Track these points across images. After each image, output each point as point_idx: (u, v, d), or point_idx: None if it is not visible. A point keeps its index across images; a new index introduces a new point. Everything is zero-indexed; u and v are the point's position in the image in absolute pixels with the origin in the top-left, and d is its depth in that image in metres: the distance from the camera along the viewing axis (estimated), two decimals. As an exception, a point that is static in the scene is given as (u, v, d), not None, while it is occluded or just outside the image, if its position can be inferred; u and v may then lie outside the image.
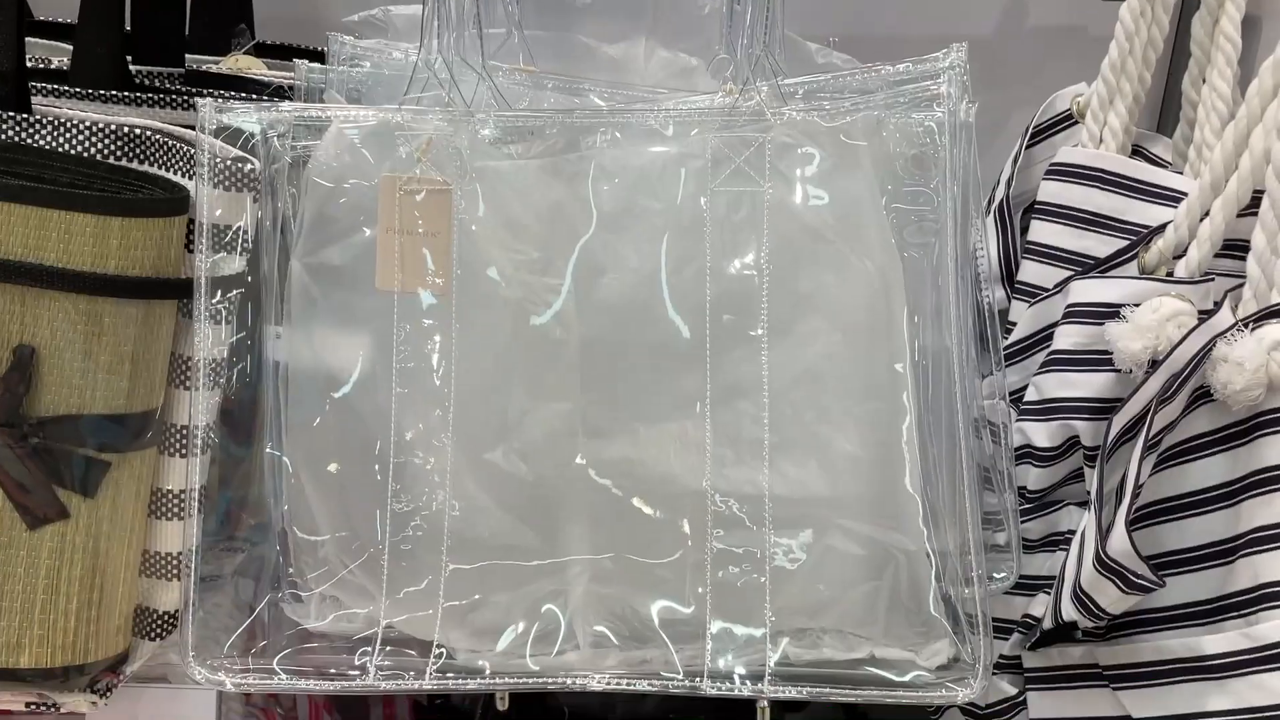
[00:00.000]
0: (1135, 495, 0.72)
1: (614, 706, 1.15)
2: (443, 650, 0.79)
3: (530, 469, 0.79)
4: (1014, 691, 0.86)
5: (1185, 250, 0.81)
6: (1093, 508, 0.74)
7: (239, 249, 0.79)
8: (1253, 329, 0.73)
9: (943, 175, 0.78)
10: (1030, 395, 0.84)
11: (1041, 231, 0.89)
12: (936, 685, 0.76)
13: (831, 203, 0.78)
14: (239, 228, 0.78)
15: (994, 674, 0.82)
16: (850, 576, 0.79)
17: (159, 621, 0.82)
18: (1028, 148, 0.94)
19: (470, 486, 0.80)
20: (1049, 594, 0.81)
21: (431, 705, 1.16)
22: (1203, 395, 0.75)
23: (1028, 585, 0.85)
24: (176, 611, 0.81)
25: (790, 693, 0.76)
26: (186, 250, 0.78)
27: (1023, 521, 0.85)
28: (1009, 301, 0.91)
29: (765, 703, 0.77)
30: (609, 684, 0.77)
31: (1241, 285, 0.78)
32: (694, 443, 0.79)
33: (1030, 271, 0.89)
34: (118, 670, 0.81)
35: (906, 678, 0.77)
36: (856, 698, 0.76)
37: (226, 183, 0.77)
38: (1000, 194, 0.94)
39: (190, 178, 0.78)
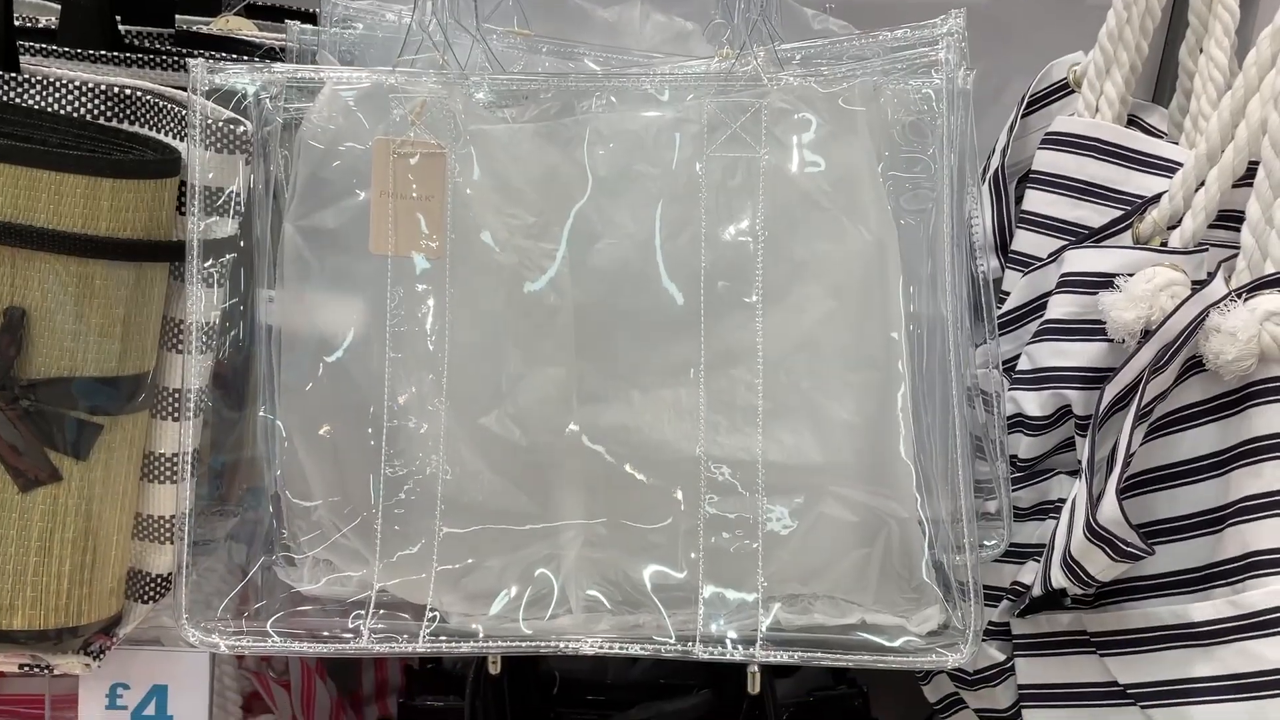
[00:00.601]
0: (1126, 464, 0.72)
1: (605, 671, 1.15)
2: (436, 614, 0.79)
3: (524, 434, 0.79)
4: (1002, 658, 0.87)
5: (1180, 220, 0.81)
6: (1083, 476, 0.74)
7: (231, 212, 0.78)
8: (1246, 299, 0.73)
9: (939, 142, 0.78)
10: (1023, 364, 0.84)
11: (1036, 201, 0.89)
12: (926, 651, 0.77)
13: (828, 169, 0.78)
14: (231, 190, 0.78)
15: (983, 640, 0.82)
16: (843, 543, 0.79)
17: (152, 584, 0.82)
18: (1023, 116, 0.93)
19: (464, 451, 0.80)
20: (1039, 561, 0.82)
21: (423, 669, 1.16)
22: (1195, 365, 0.76)
23: (1018, 553, 0.85)
24: (169, 574, 0.81)
25: (781, 657, 0.77)
26: (178, 213, 0.78)
27: (1014, 490, 0.85)
28: (1003, 271, 0.91)
29: (756, 667, 0.78)
30: (601, 648, 0.77)
31: (1235, 256, 0.78)
32: (688, 409, 0.79)
33: (1024, 241, 0.89)
34: (111, 633, 0.81)
35: (897, 643, 0.77)
36: (847, 662, 0.77)
37: (218, 145, 0.77)
38: (995, 163, 0.94)
39: (181, 139, 0.77)
